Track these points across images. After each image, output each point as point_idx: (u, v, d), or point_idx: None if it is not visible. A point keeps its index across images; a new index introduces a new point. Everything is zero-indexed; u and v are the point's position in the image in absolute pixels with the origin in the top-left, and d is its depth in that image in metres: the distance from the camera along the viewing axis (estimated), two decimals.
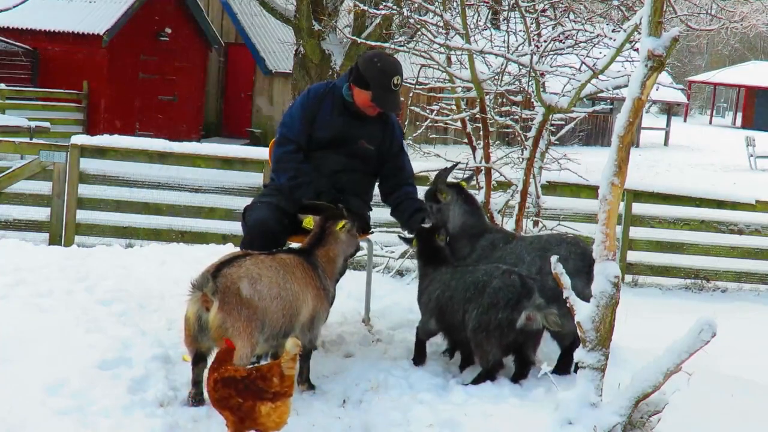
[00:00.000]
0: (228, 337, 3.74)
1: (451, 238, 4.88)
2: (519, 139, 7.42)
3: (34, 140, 12.81)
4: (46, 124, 16.96)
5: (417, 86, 7.21)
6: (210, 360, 3.81)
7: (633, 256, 10.42)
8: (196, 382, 3.96)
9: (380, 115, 4.85)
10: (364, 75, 4.66)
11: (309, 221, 4.56)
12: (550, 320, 4.23)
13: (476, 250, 4.77)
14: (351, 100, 4.78)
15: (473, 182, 7.66)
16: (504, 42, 7.19)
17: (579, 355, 3.62)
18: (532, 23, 6.80)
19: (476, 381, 4.42)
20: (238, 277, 3.88)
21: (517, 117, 8.02)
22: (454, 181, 5.02)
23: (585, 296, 3.86)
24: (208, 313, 3.79)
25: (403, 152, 4.99)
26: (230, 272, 3.88)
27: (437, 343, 4.98)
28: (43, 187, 9.47)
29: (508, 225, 6.97)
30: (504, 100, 8.31)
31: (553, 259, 3.69)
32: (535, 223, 8.14)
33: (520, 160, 7.35)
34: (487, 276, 4.42)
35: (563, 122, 9.94)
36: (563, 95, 6.36)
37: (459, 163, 6.08)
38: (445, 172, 5.01)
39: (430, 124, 7.74)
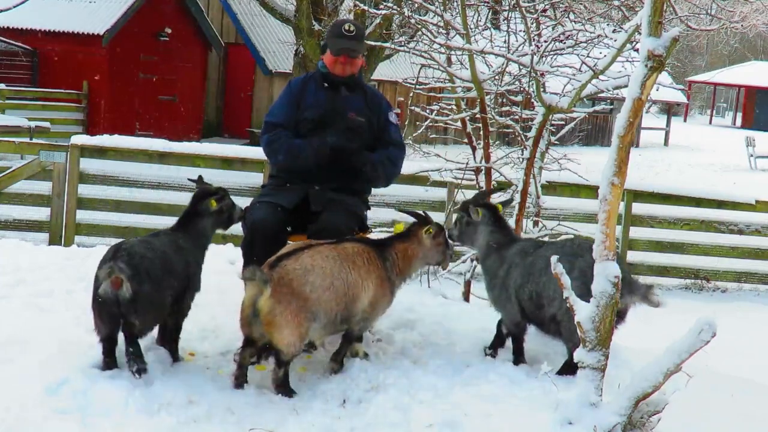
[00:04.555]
0: (276, 324, 3.98)
1: (481, 256, 4.92)
2: (519, 139, 7.41)
3: (34, 140, 12.82)
4: (46, 124, 16.96)
5: (417, 86, 7.20)
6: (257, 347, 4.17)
7: (633, 256, 10.42)
8: (241, 365, 4.18)
9: (362, 88, 5.06)
10: (325, 39, 5.02)
11: (399, 227, 4.76)
12: None
13: (506, 259, 4.75)
14: (326, 70, 4.98)
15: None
16: (504, 42, 7.18)
17: (579, 355, 3.63)
18: (532, 23, 6.79)
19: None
20: (292, 269, 4.10)
21: (517, 117, 8.01)
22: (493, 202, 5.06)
23: (620, 305, 3.88)
24: (261, 299, 4.01)
25: (390, 123, 5.09)
26: (287, 263, 4.12)
27: (437, 343, 4.98)
28: (43, 187, 9.47)
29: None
30: (504, 100, 8.30)
31: (553, 258, 3.69)
32: (535, 223, 8.13)
33: (520, 160, 7.34)
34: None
35: (563, 122, 9.93)
36: (563, 95, 6.35)
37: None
38: (484, 193, 5.09)
39: (430, 124, 7.73)
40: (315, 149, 4.79)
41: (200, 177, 4.76)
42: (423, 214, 4.73)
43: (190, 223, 4.50)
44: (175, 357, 4.39)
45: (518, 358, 4.77)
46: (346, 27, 4.89)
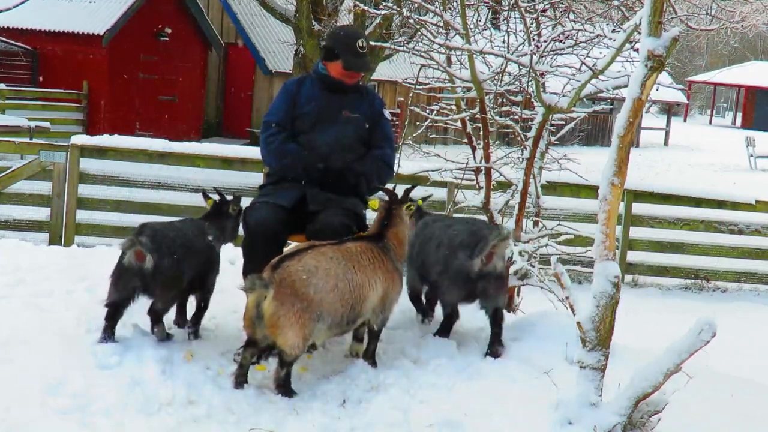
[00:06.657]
0: (280, 325, 4.01)
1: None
2: (519, 139, 7.40)
3: (34, 140, 12.81)
4: (46, 124, 16.96)
5: (417, 86, 7.19)
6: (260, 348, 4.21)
7: (633, 256, 10.42)
8: (241, 365, 4.21)
9: (357, 87, 5.12)
10: (332, 48, 5.00)
11: (374, 203, 4.81)
12: None
13: (417, 231, 5.14)
14: (327, 73, 5.03)
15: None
16: (504, 42, 7.18)
17: (579, 355, 3.63)
18: (532, 23, 6.79)
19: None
20: (295, 270, 4.10)
21: (517, 117, 8.00)
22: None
23: (467, 267, 4.56)
24: (265, 301, 4.03)
25: (383, 118, 5.17)
26: (289, 265, 4.12)
27: (437, 343, 4.98)
28: (43, 187, 9.47)
29: (508, 225, 6.96)
30: (504, 100, 8.28)
31: (553, 259, 3.70)
32: (535, 223, 8.12)
33: (520, 160, 7.33)
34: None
35: (563, 122, 9.92)
36: (563, 95, 6.34)
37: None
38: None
39: (430, 124, 7.72)
40: (304, 168, 4.91)
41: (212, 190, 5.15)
42: (392, 191, 4.84)
43: (217, 218, 4.90)
44: (197, 334, 4.75)
45: (423, 313, 5.29)
46: (361, 44, 4.96)
